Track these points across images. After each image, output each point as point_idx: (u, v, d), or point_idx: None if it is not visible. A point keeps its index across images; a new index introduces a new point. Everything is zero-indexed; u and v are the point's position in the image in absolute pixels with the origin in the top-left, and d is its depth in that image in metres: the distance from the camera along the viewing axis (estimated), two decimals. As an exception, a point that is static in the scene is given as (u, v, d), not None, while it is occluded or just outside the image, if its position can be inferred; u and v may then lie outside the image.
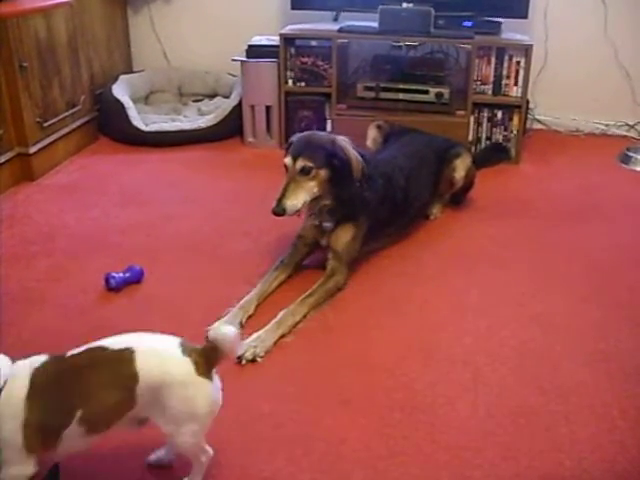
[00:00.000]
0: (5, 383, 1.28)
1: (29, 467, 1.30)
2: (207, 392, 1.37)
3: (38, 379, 1.30)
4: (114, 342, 1.37)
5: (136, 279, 2.30)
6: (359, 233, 2.34)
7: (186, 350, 1.37)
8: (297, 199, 2.19)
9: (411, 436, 1.66)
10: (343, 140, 2.29)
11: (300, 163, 2.20)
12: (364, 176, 2.31)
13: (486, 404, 1.77)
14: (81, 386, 1.32)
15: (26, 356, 1.38)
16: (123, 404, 1.33)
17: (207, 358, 1.37)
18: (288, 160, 2.22)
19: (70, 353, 1.37)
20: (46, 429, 1.30)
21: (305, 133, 2.34)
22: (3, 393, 1.27)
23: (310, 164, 2.20)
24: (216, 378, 1.41)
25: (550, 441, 1.65)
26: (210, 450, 1.46)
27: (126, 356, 1.32)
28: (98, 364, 1.34)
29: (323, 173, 2.23)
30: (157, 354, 1.36)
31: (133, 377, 1.31)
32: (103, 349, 1.35)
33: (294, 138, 2.31)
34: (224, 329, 1.40)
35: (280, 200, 2.17)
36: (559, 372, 1.90)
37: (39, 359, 1.35)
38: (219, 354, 1.38)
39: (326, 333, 2.07)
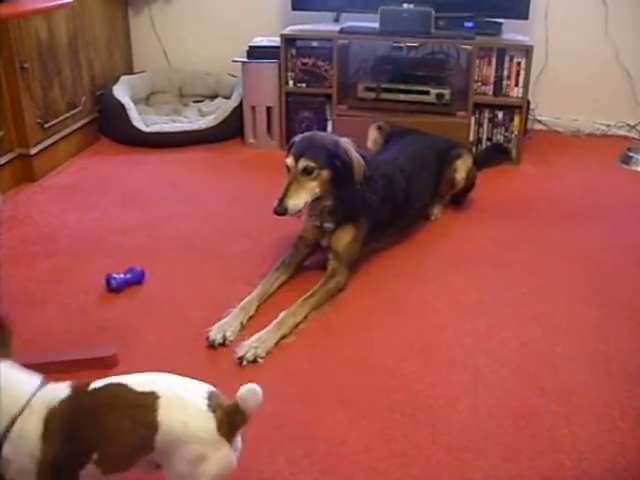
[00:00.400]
0: (22, 411, 1.25)
1: None
2: (223, 454, 1.28)
3: (55, 417, 1.25)
4: (139, 382, 1.30)
5: (137, 280, 2.30)
6: (360, 234, 2.35)
7: (212, 404, 1.28)
8: (299, 199, 2.19)
9: (412, 437, 1.66)
10: (346, 142, 2.29)
11: (302, 163, 2.20)
12: (365, 178, 2.31)
13: (487, 405, 1.77)
14: (98, 429, 1.26)
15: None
16: (140, 450, 1.27)
17: (232, 418, 1.29)
18: (290, 160, 2.22)
19: (91, 387, 1.31)
20: (61, 469, 1.26)
21: (307, 133, 2.34)
22: (18, 425, 1.24)
23: (312, 164, 2.20)
24: (238, 440, 1.32)
25: (551, 442, 1.65)
26: None
27: (149, 402, 1.26)
28: (118, 406, 1.27)
29: (325, 174, 2.23)
30: (182, 404, 1.27)
31: (153, 426, 1.24)
32: (126, 389, 1.29)
33: (296, 138, 2.31)
34: (253, 389, 1.32)
35: (282, 200, 2.17)
36: (560, 373, 1.90)
37: (57, 393, 1.29)
38: (245, 417, 1.30)
39: (327, 334, 2.07)
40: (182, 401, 1.27)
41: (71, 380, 1.33)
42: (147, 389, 1.28)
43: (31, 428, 1.24)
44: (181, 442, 1.25)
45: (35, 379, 1.32)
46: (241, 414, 1.29)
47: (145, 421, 1.25)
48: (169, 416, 1.25)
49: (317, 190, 2.24)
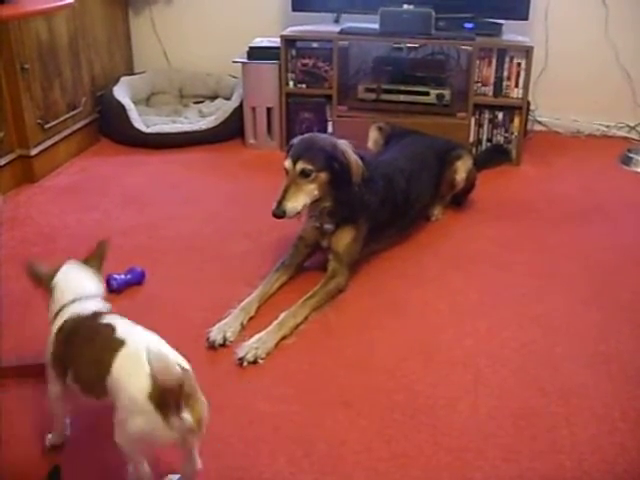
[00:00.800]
0: (61, 310, 1.54)
1: (55, 387, 1.53)
2: (146, 419, 1.32)
3: (62, 327, 1.52)
4: (123, 330, 1.46)
5: (137, 281, 2.30)
6: (360, 235, 2.35)
7: (158, 370, 1.30)
8: (297, 201, 2.19)
9: (412, 438, 1.66)
10: (344, 144, 2.29)
11: (300, 166, 2.20)
12: (364, 179, 2.31)
13: (487, 406, 1.77)
14: (73, 351, 1.48)
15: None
16: (98, 384, 1.40)
17: (167, 393, 1.30)
18: (288, 163, 2.22)
19: (99, 316, 1.52)
20: (58, 366, 1.51)
21: (306, 135, 2.34)
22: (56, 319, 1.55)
23: (310, 167, 2.20)
24: (174, 419, 1.32)
25: (551, 443, 1.65)
26: (144, 472, 1.41)
27: (115, 347, 1.40)
28: (93, 340, 1.46)
29: (323, 176, 2.23)
30: (135, 362, 1.35)
31: (107, 368, 1.38)
32: (109, 330, 1.46)
33: (295, 140, 2.30)
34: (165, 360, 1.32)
35: (280, 202, 2.17)
36: (560, 374, 1.90)
37: (79, 309, 1.53)
38: (181, 394, 1.32)
39: (327, 335, 2.07)
40: (137, 359, 1.34)
41: (104, 304, 1.59)
42: (122, 337, 1.43)
43: (54, 326, 1.53)
44: (121, 392, 1.36)
45: (87, 289, 1.58)
46: (177, 393, 1.31)
47: (103, 361, 1.39)
48: (120, 366, 1.38)
49: (316, 192, 2.23)
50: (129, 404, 1.34)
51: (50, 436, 1.61)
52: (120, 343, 1.41)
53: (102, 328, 1.48)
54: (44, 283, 1.59)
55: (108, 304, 1.60)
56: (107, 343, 1.42)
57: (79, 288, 1.58)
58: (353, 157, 2.27)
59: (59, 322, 1.52)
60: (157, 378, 1.29)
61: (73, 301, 1.54)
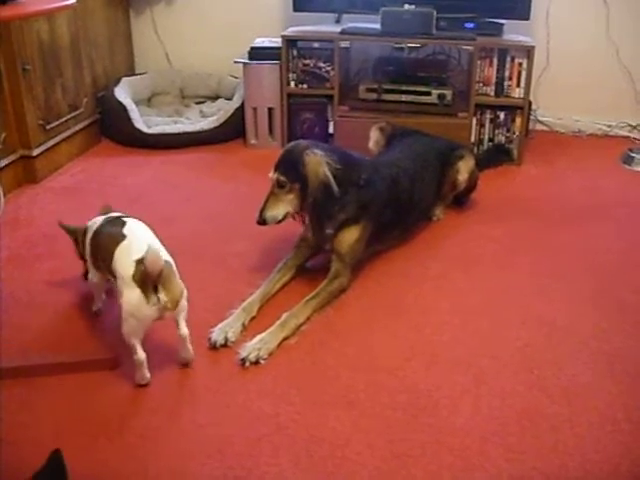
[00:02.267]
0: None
1: (93, 273, 2.05)
2: (130, 295, 1.74)
3: (96, 229, 2.01)
4: (128, 227, 1.91)
5: None
6: (363, 235, 2.34)
7: (141, 260, 1.73)
8: (277, 210, 2.25)
9: (415, 437, 1.66)
10: (312, 153, 2.22)
11: (275, 177, 2.24)
12: (367, 180, 2.30)
13: (489, 406, 1.77)
14: (100, 244, 1.95)
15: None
16: (109, 269, 1.86)
17: (146, 275, 1.72)
18: (271, 173, 2.26)
19: (118, 218, 2.00)
20: (93, 257, 2.03)
21: (291, 144, 2.33)
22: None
23: (283, 178, 2.22)
24: (152, 296, 1.73)
25: (554, 442, 1.65)
26: (140, 355, 1.78)
27: (119, 239, 1.85)
28: (109, 235, 1.91)
29: (297, 187, 2.23)
30: (129, 251, 1.79)
31: (112, 255, 1.84)
32: (119, 226, 1.91)
33: (284, 148, 2.33)
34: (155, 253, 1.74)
35: (262, 211, 2.25)
36: (563, 374, 1.90)
37: (107, 217, 2.05)
38: (156, 276, 1.73)
39: (329, 335, 2.07)
40: (130, 249, 1.80)
41: (122, 213, 2.08)
42: (125, 233, 1.87)
43: (90, 230, 2.05)
44: (117, 273, 1.80)
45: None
46: (155, 278, 1.73)
47: (110, 250, 1.85)
48: (120, 253, 1.82)
49: (295, 202, 2.25)
50: (121, 281, 1.77)
51: (94, 305, 2.13)
52: (122, 237, 1.85)
53: (116, 226, 1.92)
54: (78, 235, 2.13)
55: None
56: (114, 237, 1.87)
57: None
58: (314, 168, 2.20)
59: (94, 227, 2.02)
60: (146, 266, 1.71)
61: (104, 218, 2.04)
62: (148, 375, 1.82)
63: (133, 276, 1.73)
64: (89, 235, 2.04)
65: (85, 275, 2.15)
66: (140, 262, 1.72)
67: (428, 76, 3.57)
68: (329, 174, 2.21)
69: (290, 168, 2.23)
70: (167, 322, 1.83)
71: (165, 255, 1.80)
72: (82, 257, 2.13)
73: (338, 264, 2.29)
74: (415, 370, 1.91)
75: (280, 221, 2.27)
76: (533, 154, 3.56)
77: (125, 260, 1.78)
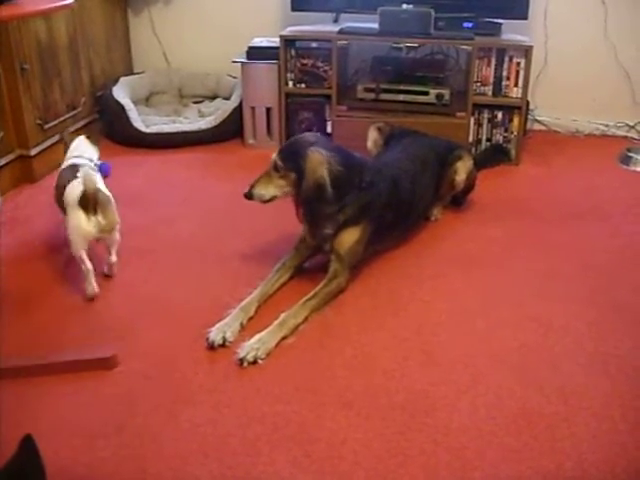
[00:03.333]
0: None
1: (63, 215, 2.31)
2: (73, 215, 2.16)
3: (62, 170, 2.46)
4: (82, 172, 2.22)
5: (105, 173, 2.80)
6: (363, 236, 2.34)
7: (87, 184, 2.15)
8: (266, 190, 2.30)
9: (412, 437, 1.66)
10: (316, 151, 2.22)
11: (273, 158, 2.29)
12: (368, 181, 2.31)
13: (486, 405, 1.77)
14: (59, 182, 2.36)
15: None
16: (63, 203, 2.25)
17: (88, 198, 2.15)
18: (274, 154, 2.31)
19: (84, 165, 2.36)
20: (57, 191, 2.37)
21: (302, 135, 2.38)
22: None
23: (280, 163, 2.26)
24: (92, 217, 2.16)
25: (550, 442, 1.65)
26: (88, 266, 2.18)
27: (70, 180, 2.24)
28: (64, 178, 2.30)
29: (292, 176, 2.24)
30: (76, 186, 2.18)
31: (63, 192, 2.24)
32: (75, 171, 2.26)
33: (296, 136, 2.39)
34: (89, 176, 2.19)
35: (252, 187, 2.31)
36: (559, 373, 1.90)
37: (73, 162, 2.43)
38: (96, 199, 2.16)
39: (327, 335, 2.08)
40: (78, 185, 2.17)
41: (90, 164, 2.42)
42: (77, 175, 2.22)
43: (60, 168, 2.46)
44: (65, 202, 2.20)
45: (86, 153, 2.51)
46: (93, 201, 2.16)
47: (63, 187, 2.25)
48: (70, 188, 2.21)
49: (287, 189, 2.29)
50: (68, 208, 2.17)
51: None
52: (74, 178, 2.22)
53: (72, 170, 2.29)
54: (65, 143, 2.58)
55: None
56: (68, 178, 2.25)
57: (80, 151, 2.49)
58: (312, 167, 2.20)
59: (62, 167, 2.44)
60: (84, 184, 2.13)
61: (75, 157, 2.44)
62: (96, 288, 2.21)
63: (77, 200, 2.14)
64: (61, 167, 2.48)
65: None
66: (84, 193, 2.14)
67: (426, 76, 3.57)
68: (326, 176, 2.21)
69: (291, 157, 2.25)
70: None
71: (105, 190, 2.23)
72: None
73: (337, 265, 2.29)
74: (412, 370, 1.91)
75: (266, 201, 2.32)
76: (531, 154, 3.57)
77: (73, 192, 2.18)
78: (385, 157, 2.72)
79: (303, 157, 2.22)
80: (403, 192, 2.50)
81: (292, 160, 2.25)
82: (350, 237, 2.31)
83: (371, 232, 2.36)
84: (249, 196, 2.32)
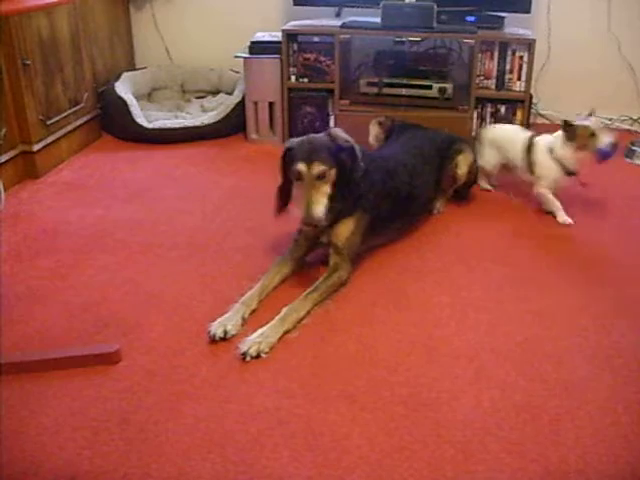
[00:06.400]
0: None
1: None
2: None
3: None
4: None
5: None
6: (359, 227, 2.33)
7: None
8: (322, 204, 2.17)
9: (415, 431, 1.66)
10: (336, 130, 2.30)
11: (316, 169, 2.17)
12: (364, 171, 2.31)
13: (490, 399, 1.77)
14: None
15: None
16: None
17: None
18: (302, 167, 2.17)
19: None
20: None
21: (303, 138, 2.27)
22: None
23: (324, 167, 2.18)
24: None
25: (554, 435, 1.65)
26: None
27: None
28: None
29: (333, 173, 2.22)
30: None
31: None
32: None
33: (293, 145, 2.24)
34: None
35: (310, 209, 2.14)
36: (563, 367, 1.90)
37: None
38: None
39: (330, 329, 2.07)
40: None
41: None
42: None
43: None
44: None
45: None
46: None
47: None
48: None
49: (329, 192, 2.22)
50: None
51: None
52: None
53: None
54: None
55: None
56: None
57: None
58: (351, 138, 2.29)
59: None
60: None
61: None
62: None
63: None
64: None
65: None
66: None
67: (429, 70, 3.57)
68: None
69: (325, 155, 2.20)
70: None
71: None
72: None
73: (336, 257, 2.29)
74: (416, 364, 1.91)
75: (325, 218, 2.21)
76: (534, 148, 3.55)
77: None
78: (384, 150, 2.73)
79: (339, 139, 2.24)
80: (399, 183, 2.50)
81: (329, 157, 2.19)
82: (346, 228, 2.31)
83: (368, 223, 2.36)
84: (315, 222, 2.14)
